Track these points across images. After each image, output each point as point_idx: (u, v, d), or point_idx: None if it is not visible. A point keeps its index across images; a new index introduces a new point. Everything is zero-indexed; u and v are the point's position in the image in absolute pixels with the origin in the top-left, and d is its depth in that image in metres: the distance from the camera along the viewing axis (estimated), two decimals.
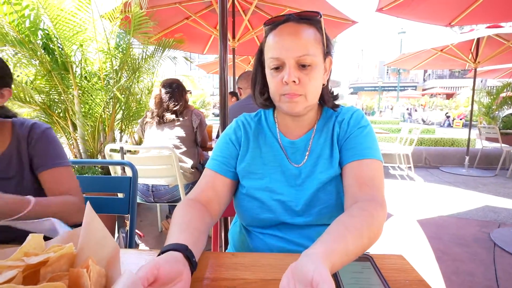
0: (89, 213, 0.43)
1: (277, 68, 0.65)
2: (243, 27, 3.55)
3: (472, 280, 1.68)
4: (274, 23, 0.66)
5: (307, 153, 0.72)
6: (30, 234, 0.41)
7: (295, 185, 0.70)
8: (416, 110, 18.03)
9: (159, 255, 0.46)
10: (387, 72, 37.12)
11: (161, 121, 1.89)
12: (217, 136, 2.69)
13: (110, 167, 1.89)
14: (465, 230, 2.42)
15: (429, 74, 31.17)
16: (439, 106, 18.42)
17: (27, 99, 2.36)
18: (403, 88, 27.37)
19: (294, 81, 0.62)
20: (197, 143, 2.00)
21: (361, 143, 0.67)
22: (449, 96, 23.01)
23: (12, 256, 0.37)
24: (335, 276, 0.49)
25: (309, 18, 0.65)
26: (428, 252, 2.02)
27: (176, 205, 1.87)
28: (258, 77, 0.74)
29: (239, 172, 0.74)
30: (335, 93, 0.76)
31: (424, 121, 14.68)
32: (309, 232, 0.70)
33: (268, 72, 0.68)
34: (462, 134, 7.10)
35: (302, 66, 0.63)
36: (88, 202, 0.44)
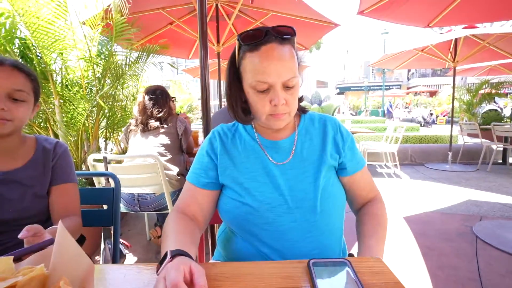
0: (61, 232, 0.42)
1: (264, 90, 0.66)
2: (227, 31, 3.55)
3: (456, 274, 1.73)
4: (254, 43, 0.66)
5: (291, 153, 0.75)
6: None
7: (280, 185, 0.72)
8: (406, 109, 18.51)
9: (164, 258, 0.51)
10: (372, 72, 37.91)
11: (146, 129, 1.87)
12: None
13: (94, 178, 1.85)
14: (449, 225, 2.49)
15: (413, 73, 32.03)
16: (423, 104, 18.92)
17: None
18: (388, 87, 28.00)
19: (283, 103, 0.66)
20: (182, 150, 1.99)
21: (356, 153, 0.80)
22: (432, 93, 23.68)
23: None
24: (312, 280, 0.49)
25: (289, 38, 0.67)
26: (414, 249, 2.07)
27: (163, 213, 1.85)
28: (236, 94, 0.73)
29: (223, 182, 0.75)
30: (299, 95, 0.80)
31: (425, 119, 14.66)
32: (292, 236, 0.70)
33: (251, 91, 0.68)
34: (445, 131, 7.32)
35: (287, 87, 0.66)
36: (60, 221, 0.44)
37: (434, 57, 5.05)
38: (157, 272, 0.50)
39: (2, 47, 2.07)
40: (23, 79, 0.81)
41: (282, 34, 0.66)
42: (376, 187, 0.84)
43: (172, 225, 0.67)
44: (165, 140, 1.85)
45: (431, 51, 4.99)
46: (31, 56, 2.27)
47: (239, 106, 0.74)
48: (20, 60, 2.21)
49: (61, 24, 2.26)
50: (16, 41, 2.21)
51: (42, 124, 2.55)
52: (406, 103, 20.10)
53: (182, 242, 0.59)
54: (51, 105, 2.41)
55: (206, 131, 1.34)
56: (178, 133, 1.91)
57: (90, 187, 2.02)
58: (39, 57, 2.28)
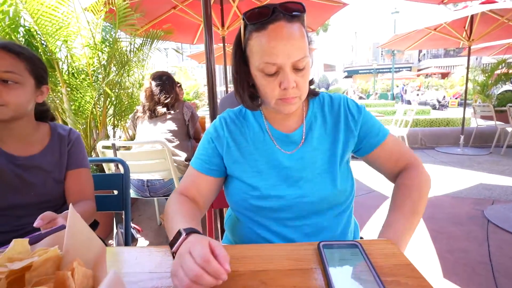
0: (73, 216, 0.43)
1: (273, 74, 0.62)
2: (232, 15, 3.47)
3: (466, 257, 1.73)
4: (260, 22, 0.60)
5: (301, 142, 0.72)
6: (13, 239, 0.40)
7: (290, 177, 0.70)
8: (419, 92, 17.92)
9: (176, 236, 0.51)
10: (382, 54, 36.81)
11: (153, 115, 1.87)
12: None
13: (104, 164, 1.88)
14: (459, 208, 2.46)
15: (424, 54, 30.97)
16: (435, 86, 18.36)
17: None
18: (398, 69, 27.23)
19: (293, 86, 0.62)
20: (189, 135, 1.99)
21: (373, 126, 0.74)
22: (444, 75, 22.93)
23: None
24: (322, 263, 0.49)
25: (298, 15, 0.61)
26: (423, 232, 2.06)
27: None
28: (243, 78, 0.69)
29: (231, 173, 0.74)
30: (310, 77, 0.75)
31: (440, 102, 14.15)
32: (301, 224, 0.70)
33: (259, 75, 0.64)
34: (457, 113, 7.12)
35: (297, 69, 0.62)
36: (70, 205, 0.44)
37: (447, 36, 4.84)
38: (172, 250, 0.50)
39: (7, 36, 2.07)
40: (12, 60, 0.76)
41: (291, 11, 0.61)
42: (408, 153, 0.76)
43: (177, 206, 0.66)
44: (173, 126, 1.85)
45: (444, 29, 4.77)
46: (36, 44, 2.26)
47: (246, 91, 0.70)
48: None
49: (65, 10, 2.24)
50: (21, 29, 2.21)
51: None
52: (417, 86, 19.54)
53: (190, 222, 0.59)
54: (58, 94, 2.42)
55: (213, 117, 1.33)
56: (185, 119, 1.90)
57: (100, 173, 2.06)
58: (44, 45, 2.27)
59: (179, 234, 0.51)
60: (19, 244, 0.40)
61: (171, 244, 0.51)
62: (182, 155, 1.84)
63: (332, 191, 0.70)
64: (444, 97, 14.13)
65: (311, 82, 0.72)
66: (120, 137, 3.44)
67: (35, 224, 0.56)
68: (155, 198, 2.01)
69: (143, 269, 0.53)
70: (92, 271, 0.42)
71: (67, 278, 0.37)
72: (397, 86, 20.14)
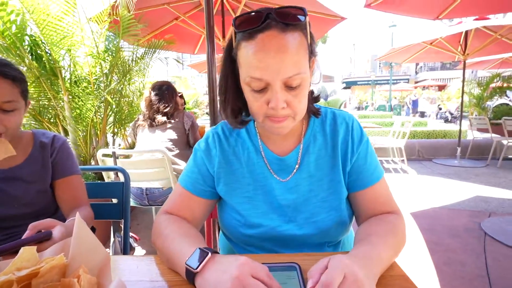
0: (79, 223, 0.44)
1: (260, 90, 0.54)
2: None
3: (463, 270, 1.73)
4: (249, 30, 0.52)
5: (294, 170, 0.66)
6: (22, 247, 0.41)
7: (283, 207, 0.65)
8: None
9: (198, 257, 0.47)
10: (380, 66, 37.36)
11: (153, 124, 1.89)
12: None
13: (104, 172, 1.88)
14: (456, 220, 2.47)
15: (421, 67, 31.45)
16: (432, 98, 18.57)
17: None
18: (395, 81, 27.59)
19: (283, 107, 0.54)
20: (189, 144, 2.01)
21: (370, 164, 0.65)
22: (441, 87, 23.25)
23: (5, 270, 0.38)
24: None
25: (294, 23, 0.53)
26: (421, 244, 2.06)
27: None
28: (229, 92, 0.62)
29: (220, 192, 0.69)
30: (315, 93, 0.67)
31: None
32: (295, 250, 0.66)
33: (246, 89, 0.57)
34: (454, 126, 7.20)
35: (290, 87, 0.53)
36: (77, 213, 0.45)
37: (443, 50, 4.95)
38: (196, 270, 0.45)
39: (13, 45, 2.11)
40: (10, 87, 0.75)
41: (286, 18, 0.52)
42: (394, 201, 0.66)
43: (175, 225, 0.61)
44: (173, 135, 1.87)
45: (440, 44, 4.89)
46: (40, 53, 2.30)
47: (230, 106, 0.63)
48: (30, 57, 2.24)
49: (69, 20, 2.29)
50: (26, 38, 2.25)
51: (52, 119, 2.60)
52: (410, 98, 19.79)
53: (201, 242, 0.55)
54: (60, 101, 2.45)
55: (213, 125, 1.35)
56: (185, 128, 1.93)
57: (99, 181, 2.06)
58: (48, 54, 2.31)
59: (199, 253, 0.47)
60: (27, 252, 0.41)
61: (190, 264, 0.46)
62: (182, 164, 1.85)
63: (331, 224, 0.64)
64: (441, 109, 14.28)
65: (316, 99, 0.66)
66: (119, 145, 3.45)
67: (23, 237, 0.56)
68: (153, 207, 2.01)
69: (143, 277, 0.54)
70: (97, 278, 0.43)
71: (73, 285, 0.38)
72: (395, 98, 20.34)
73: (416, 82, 29.42)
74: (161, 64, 3.37)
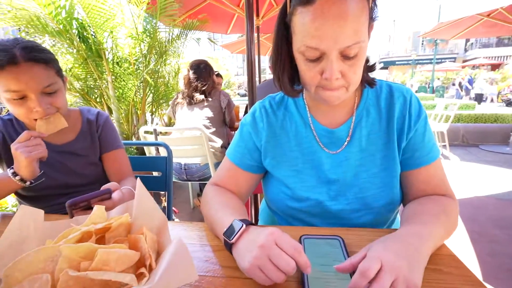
0: (140, 188, 0.49)
1: (315, 59, 0.52)
2: (267, 4, 3.43)
3: (510, 262, 1.62)
4: None
5: (345, 143, 0.64)
6: (95, 206, 0.47)
7: (332, 181, 0.64)
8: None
9: (230, 228, 0.49)
10: (422, 44, 34.29)
11: (191, 102, 1.95)
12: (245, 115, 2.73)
13: (145, 148, 2.01)
14: (503, 211, 2.29)
15: (472, 43, 28.33)
16: (492, 79, 16.58)
17: (68, 87, 2.54)
18: (440, 60, 25.26)
19: (337, 78, 0.52)
20: (225, 123, 2.05)
21: (427, 142, 0.62)
22: (495, 67, 20.84)
23: (84, 223, 0.44)
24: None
25: None
26: (462, 234, 1.96)
27: (206, 183, 1.96)
28: (283, 60, 0.60)
29: (267, 166, 0.69)
30: (370, 62, 0.61)
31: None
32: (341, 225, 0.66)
33: (299, 57, 0.55)
34: (508, 109, 6.48)
35: (346, 57, 0.51)
36: (138, 179, 0.50)
37: (503, 22, 4.38)
38: (231, 241, 0.48)
39: (64, 28, 2.25)
40: (46, 71, 0.76)
41: None
42: (449, 184, 0.62)
43: (221, 197, 0.64)
44: (210, 113, 1.92)
45: (500, 15, 4.31)
46: (86, 35, 2.44)
47: (286, 75, 0.60)
48: (78, 40, 2.39)
49: (111, 3, 2.38)
50: (74, 22, 2.39)
51: (97, 99, 2.79)
52: (462, 78, 17.97)
53: (242, 214, 0.57)
54: (104, 81, 2.61)
55: (251, 105, 1.36)
56: (222, 107, 1.97)
57: (144, 155, 2.20)
58: (93, 36, 2.45)
59: (235, 225, 0.49)
60: (99, 210, 0.47)
61: (227, 235, 0.49)
62: (218, 142, 1.91)
63: (382, 201, 0.62)
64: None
65: (371, 68, 0.61)
66: (156, 123, 3.62)
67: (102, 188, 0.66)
68: (190, 183, 2.12)
69: (193, 241, 0.59)
70: (156, 237, 0.47)
71: (140, 240, 0.42)
72: (438, 79, 18.68)
73: (464, 61, 26.68)
74: (194, 45, 3.41)
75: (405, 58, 31.15)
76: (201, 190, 2.28)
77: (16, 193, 0.90)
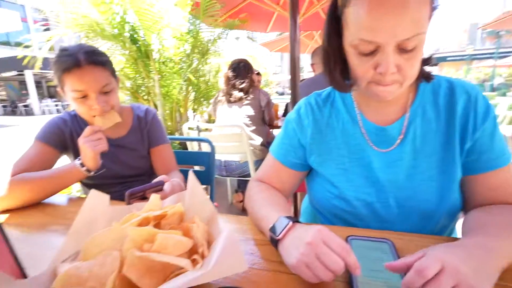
0: (192, 180, 0.51)
1: (369, 53, 0.49)
2: (307, 2, 3.37)
3: None
4: None
5: (397, 142, 0.60)
6: (152, 195, 0.51)
7: (381, 182, 0.61)
8: None
9: (279, 224, 0.49)
10: (482, 37, 30.89)
11: (230, 100, 2.00)
12: (284, 115, 2.73)
13: (188, 143, 2.11)
14: None
15: None
16: None
17: (120, 85, 2.77)
18: (503, 54, 22.53)
19: (393, 72, 0.48)
20: (265, 121, 2.07)
21: (497, 144, 0.55)
22: None
23: (142, 210, 0.48)
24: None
25: None
26: None
27: (244, 180, 1.99)
28: (334, 54, 0.57)
29: (312, 163, 0.68)
30: (426, 55, 0.56)
31: None
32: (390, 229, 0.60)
33: (351, 52, 0.52)
34: None
35: (404, 50, 0.47)
36: (191, 171, 0.53)
37: None
38: (277, 237, 0.47)
39: (118, 32, 2.46)
40: (103, 72, 0.84)
41: None
42: None
43: (265, 193, 0.64)
44: (249, 111, 1.96)
45: None
46: (137, 37, 2.64)
47: (338, 69, 0.57)
48: (129, 42, 2.59)
49: (159, 6, 2.54)
50: (126, 25, 2.60)
51: (145, 97, 3.00)
52: None
53: (287, 211, 0.56)
54: (151, 80, 2.80)
55: (293, 104, 1.35)
56: (261, 105, 1.99)
57: (187, 150, 2.32)
58: (143, 38, 2.63)
59: (282, 221, 0.49)
60: (155, 199, 0.50)
61: (273, 231, 0.49)
62: (258, 140, 1.94)
63: (438, 207, 0.57)
64: None
65: (427, 61, 0.56)
66: (198, 121, 3.79)
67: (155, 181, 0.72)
68: (228, 179, 2.18)
69: (237, 232, 0.61)
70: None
71: (191, 228, 0.45)
72: (500, 76, 16.70)
73: None
74: (234, 44, 3.49)
75: (459, 53, 28.37)
76: (239, 186, 2.33)
77: (80, 182, 1.01)
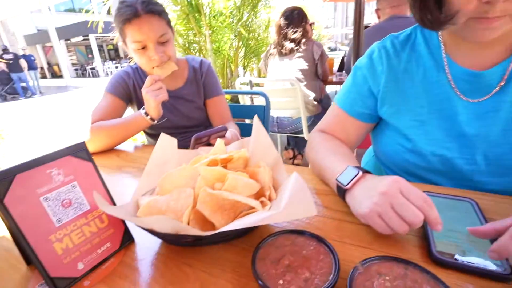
0: (257, 125, 0.50)
1: None
2: None
3: None
4: None
5: (494, 90, 0.50)
6: (217, 140, 0.51)
7: (467, 136, 0.53)
8: None
9: (348, 174, 0.46)
10: None
11: (282, 52, 1.89)
12: (339, 69, 2.51)
13: (240, 100, 2.11)
14: None
15: None
16: None
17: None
18: None
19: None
20: (318, 75, 1.94)
21: None
22: None
23: (209, 153, 0.49)
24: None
25: None
26: None
27: (295, 138, 1.95)
28: None
29: (384, 114, 0.62)
30: None
31: None
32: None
33: None
34: None
35: None
36: (256, 116, 0.51)
37: None
38: (345, 186, 0.45)
39: None
40: (160, 22, 0.86)
41: None
42: None
43: (330, 143, 0.61)
44: (302, 64, 1.84)
45: None
46: None
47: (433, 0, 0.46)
48: None
49: None
50: None
51: (197, 53, 3.03)
52: None
53: (355, 162, 0.52)
54: (202, 36, 2.78)
55: (356, 54, 1.22)
56: (314, 58, 1.85)
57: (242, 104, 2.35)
58: None
59: (351, 171, 0.46)
60: (220, 144, 0.51)
61: (341, 180, 0.47)
62: (311, 95, 1.85)
63: None
64: None
65: None
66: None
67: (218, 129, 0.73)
68: (278, 135, 2.17)
69: None
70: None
71: (258, 172, 0.45)
72: None
73: None
74: None
75: None
76: (288, 143, 2.32)
77: (144, 132, 1.09)
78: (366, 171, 0.46)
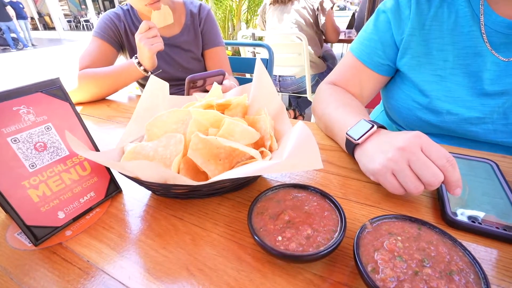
0: (260, 68, 0.44)
1: None
2: None
3: None
4: None
5: None
6: (214, 84, 0.45)
7: (492, 96, 0.48)
8: None
9: (361, 128, 0.41)
10: None
11: (276, 1, 1.69)
12: (348, 27, 2.32)
13: (241, 53, 1.98)
14: None
15: None
16: None
17: None
18: None
19: None
20: (321, 29, 1.75)
21: None
22: None
23: (206, 97, 0.43)
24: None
25: None
26: None
27: (297, 98, 1.86)
28: None
29: (403, 66, 0.55)
30: None
31: None
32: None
33: None
34: None
35: None
36: (258, 58, 0.44)
37: None
38: (357, 141, 0.41)
39: None
40: None
41: None
42: None
43: (341, 95, 0.55)
44: (298, 16, 1.66)
45: None
46: None
47: None
48: None
49: None
50: None
51: None
52: None
53: (365, 115, 0.48)
54: None
55: (372, 4, 1.09)
56: (312, 8, 1.65)
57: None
58: None
59: (363, 125, 0.41)
60: (216, 89, 0.45)
61: (351, 134, 0.42)
62: (313, 50, 1.71)
63: None
64: None
65: None
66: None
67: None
68: (281, 95, 2.08)
69: None
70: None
71: (258, 120, 0.40)
72: None
73: None
74: None
75: None
76: (290, 104, 2.23)
77: (138, 82, 1.01)
78: (381, 126, 0.41)
